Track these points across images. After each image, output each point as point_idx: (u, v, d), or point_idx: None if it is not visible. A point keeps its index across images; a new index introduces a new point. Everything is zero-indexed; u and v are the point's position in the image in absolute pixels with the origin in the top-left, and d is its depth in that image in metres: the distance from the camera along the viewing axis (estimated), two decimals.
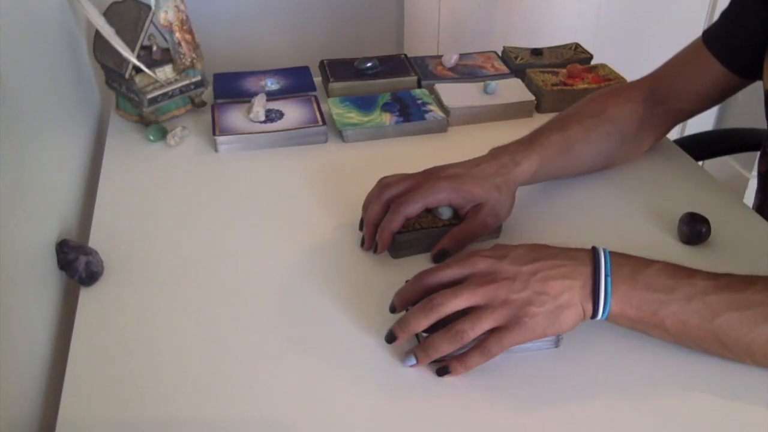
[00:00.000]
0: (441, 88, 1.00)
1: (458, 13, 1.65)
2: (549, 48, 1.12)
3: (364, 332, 0.61)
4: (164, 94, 0.92)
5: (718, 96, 0.81)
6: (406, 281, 0.60)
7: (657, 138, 0.87)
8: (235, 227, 0.75)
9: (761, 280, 0.55)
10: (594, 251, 0.57)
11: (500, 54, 1.12)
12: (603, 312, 0.55)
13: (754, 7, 0.74)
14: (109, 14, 0.89)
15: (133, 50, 0.86)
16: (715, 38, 0.78)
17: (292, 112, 0.94)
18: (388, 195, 0.69)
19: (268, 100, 0.95)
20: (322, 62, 1.07)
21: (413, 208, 0.67)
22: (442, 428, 0.53)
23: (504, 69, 1.07)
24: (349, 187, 0.80)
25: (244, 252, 0.71)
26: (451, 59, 1.07)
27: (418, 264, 0.68)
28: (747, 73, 0.77)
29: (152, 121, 0.93)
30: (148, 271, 0.68)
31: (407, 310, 0.58)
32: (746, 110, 1.86)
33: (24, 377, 0.55)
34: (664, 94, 0.82)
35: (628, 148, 0.83)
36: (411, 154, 0.90)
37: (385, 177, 0.72)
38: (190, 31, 0.92)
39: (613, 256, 0.57)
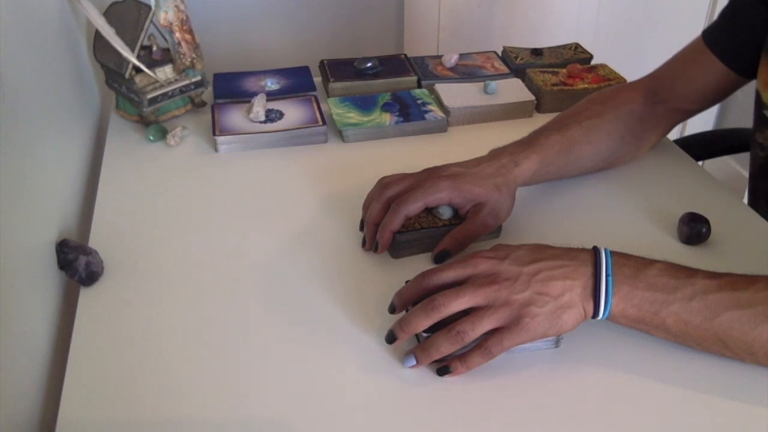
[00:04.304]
0: (441, 88, 1.00)
1: (458, 13, 1.65)
2: (549, 48, 1.12)
3: (364, 332, 0.61)
4: (164, 94, 0.92)
5: (719, 95, 0.81)
6: (407, 281, 0.60)
7: (658, 138, 0.87)
8: (235, 227, 0.74)
9: (762, 279, 0.55)
10: (595, 251, 0.57)
11: (500, 54, 1.12)
12: (604, 312, 0.55)
13: (753, 6, 0.74)
14: (109, 14, 0.89)
15: (133, 50, 0.86)
16: (714, 37, 0.78)
17: (292, 112, 0.94)
18: (388, 194, 0.69)
19: (268, 100, 0.95)
20: (322, 62, 1.07)
21: (413, 207, 0.67)
22: (442, 428, 0.52)
23: (504, 69, 1.07)
24: (349, 187, 0.80)
25: (244, 252, 0.71)
26: (451, 59, 1.07)
27: (418, 264, 0.68)
28: (747, 72, 0.77)
29: (152, 121, 0.93)
30: (148, 271, 0.68)
31: (407, 310, 0.58)
32: (746, 110, 1.86)
33: (24, 377, 0.55)
34: (665, 93, 0.82)
35: (629, 148, 0.83)
36: (411, 154, 0.90)
37: (385, 177, 0.72)
38: (190, 31, 0.92)
39: (614, 255, 0.57)
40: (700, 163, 0.91)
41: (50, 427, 0.54)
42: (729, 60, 0.77)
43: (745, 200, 0.91)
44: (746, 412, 0.54)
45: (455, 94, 0.98)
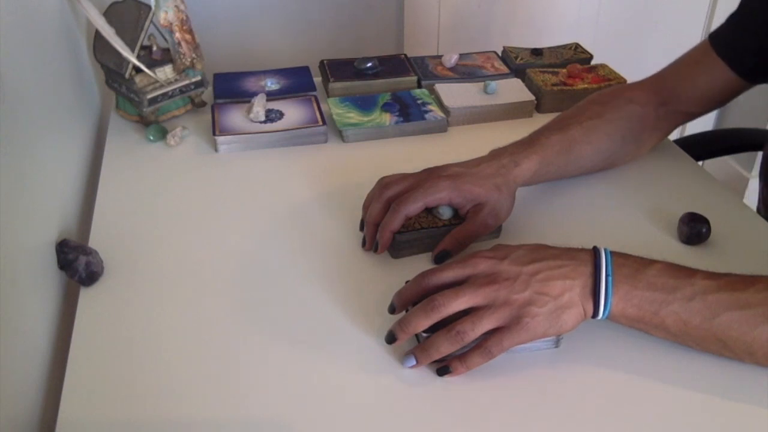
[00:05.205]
0: (441, 88, 1.00)
1: (458, 13, 1.65)
2: (549, 48, 1.12)
3: (364, 332, 0.61)
4: (164, 94, 0.92)
5: (723, 99, 0.81)
6: (407, 281, 0.60)
7: (659, 139, 0.86)
8: (235, 227, 0.74)
9: (762, 279, 0.55)
10: (595, 251, 0.57)
11: (500, 54, 1.12)
12: (603, 311, 0.55)
13: (762, 11, 0.74)
14: (109, 14, 0.89)
15: (133, 50, 0.86)
16: (722, 41, 0.78)
17: (292, 112, 0.94)
18: (388, 194, 0.69)
19: (268, 100, 0.95)
20: (322, 62, 1.07)
21: (413, 207, 0.67)
22: (442, 428, 0.52)
23: (504, 69, 1.07)
24: (349, 187, 0.80)
25: (244, 252, 0.71)
26: (451, 59, 1.07)
27: (418, 264, 0.68)
28: (754, 77, 0.77)
29: (152, 121, 0.93)
30: (148, 271, 0.68)
31: (407, 310, 0.58)
32: (746, 110, 1.86)
33: (24, 377, 0.55)
34: (668, 95, 0.82)
35: (629, 148, 0.83)
36: (411, 154, 0.90)
37: (385, 177, 0.72)
38: (190, 31, 0.92)
39: (614, 255, 0.57)
40: (700, 163, 0.91)
41: (50, 427, 0.54)
42: (735, 64, 0.77)
43: (751, 199, 0.90)
44: (746, 412, 0.54)
45: (455, 94, 0.98)
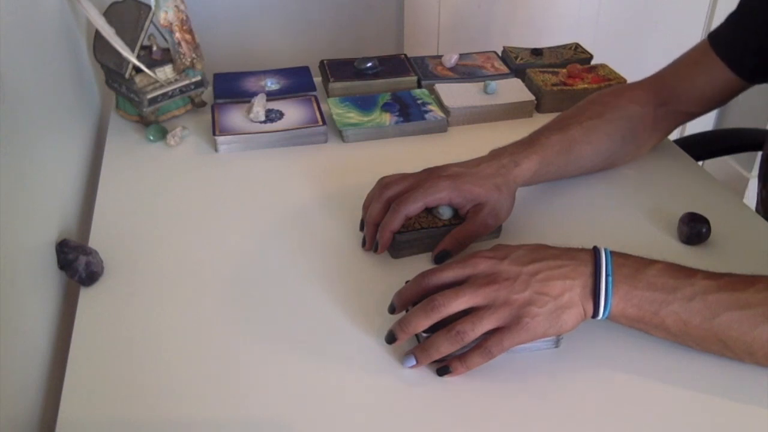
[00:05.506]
0: (441, 88, 1.00)
1: (458, 13, 1.65)
2: (549, 48, 1.12)
3: (364, 332, 0.61)
4: (164, 94, 0.92)
5: (723, 99, 0.81)
6: (407, 281, 0.60)
7: (659, 139, 0.86)
8: (235, 227, 0.74)
9: (762, 279, 0.55)
10: (595, 251, 0.57)
11: (500, 54, 1.12)
12: (604, 311, 0.55)
13: (762, 11, 0.74)
14: (109, 14, 0.89)
15: (133, 50, 0.86)
16: (721, 41, 0.78)
17: (292, 112, 0.94)
18: (388, 194, 0.69)
19: (268, 100, 0.95)
20: (322, 62, 1.07)
21: (413, 207, 0.67)
22: (442, 428, 0.52)
23: (504, 69, 1.07)
24: (349, 187, 0.80)
25: (244, 252, 0.71)
26: (451, 59, 1.07)
27: (418, 264, 0.68)
28: (753, 77, 0.77)
29: (152, 121, 0.93)
30: (148, 271, 0.68)
31: (407, 310, 0.58)
32: (746, 110, 1.86)
33: (24, 377, 0.55)
34: (668, 95, 0.82)
35: (629, 148, 0.83)
36: (411, 154, 0.90)
37: (385, 176, 0.72)
38: (190, 31, 0.92)
39: (614, 255, 0.57)
40: (700, 163, 0.91)
41: (50, 427, 0.54)
42: (735, 64, 0.77)
43: (751, 199, 0.90)
44: (746, 412, 0.54)
45: (455, 94, 0.98)
